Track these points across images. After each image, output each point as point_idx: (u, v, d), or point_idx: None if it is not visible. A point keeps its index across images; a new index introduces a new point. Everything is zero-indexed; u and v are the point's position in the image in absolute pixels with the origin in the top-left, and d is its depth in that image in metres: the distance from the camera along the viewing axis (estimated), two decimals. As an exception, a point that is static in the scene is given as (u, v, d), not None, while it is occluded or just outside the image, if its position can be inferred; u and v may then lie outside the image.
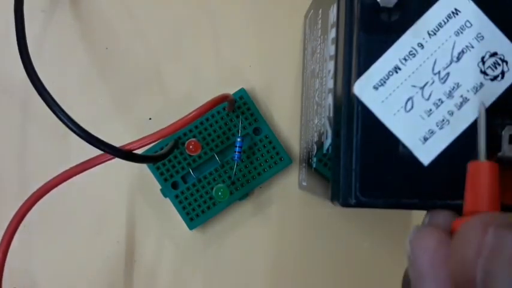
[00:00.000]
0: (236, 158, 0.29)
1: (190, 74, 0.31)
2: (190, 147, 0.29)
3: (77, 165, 0.25)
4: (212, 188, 0.30)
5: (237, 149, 0.29)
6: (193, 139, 0.29)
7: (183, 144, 0.30)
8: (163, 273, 0.31)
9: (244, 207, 0.31)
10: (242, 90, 0.30)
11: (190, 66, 0.31)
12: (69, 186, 0.30)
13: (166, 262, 0.31)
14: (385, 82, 0.20)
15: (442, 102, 0.20)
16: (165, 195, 0.30)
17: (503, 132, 0.20)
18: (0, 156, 0.31)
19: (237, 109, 0.30)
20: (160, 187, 0.30)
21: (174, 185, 0.30)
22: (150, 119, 0.31)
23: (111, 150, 0.24)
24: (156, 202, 0.31)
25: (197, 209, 0.30)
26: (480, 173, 0.19)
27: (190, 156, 0.30)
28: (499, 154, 0.20)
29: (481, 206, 0.18)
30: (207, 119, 0.30)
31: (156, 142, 0.26)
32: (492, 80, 0.20)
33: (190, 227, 0.30)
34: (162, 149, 0.29)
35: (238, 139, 0.29)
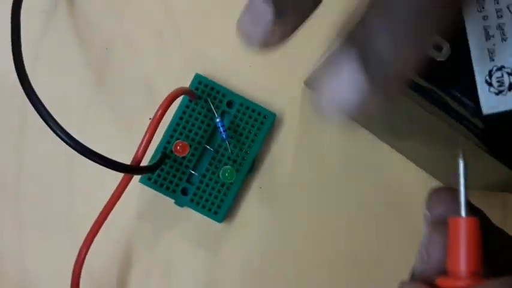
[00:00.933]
0: (225, 137, 0.30)
1: (191, 74, 0.31)
2: (178, 148, 0.29)
3: (112, 196, 0.27)
4: (219, 176, 0.30)
5: (221, 129, 0.29)
6: (178, 141, 0.29)
7: (172, 152, 0.30)
8: (164, 273, 0.31)
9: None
10: (197, 76, 0.30)
11: (191, 66, 0.31)
12: (70, 187, 0.30)
13: (167, 262, 0.31)
14: None
15: None
16: (182, 205, 0.30)
17: None
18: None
19: (202, 94, 0.30)
20: (173, 201, 0.30)
21: (184, 192, 0.30)
22: (150, 118, 0.31)
23: (105, 163, 0.24)
24: (156, 203, 0.31)
25: (216, 201, 0.30)
26: (460, 230, 0.19)
27: (183, 158, 0.30)
28: None
29: (461, 266, 0.18)
30: (181, 118, 0.30)
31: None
32: None
33: (219, 220, 0.30)
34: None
35: (217, 119, 0.29)
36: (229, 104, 0.31)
